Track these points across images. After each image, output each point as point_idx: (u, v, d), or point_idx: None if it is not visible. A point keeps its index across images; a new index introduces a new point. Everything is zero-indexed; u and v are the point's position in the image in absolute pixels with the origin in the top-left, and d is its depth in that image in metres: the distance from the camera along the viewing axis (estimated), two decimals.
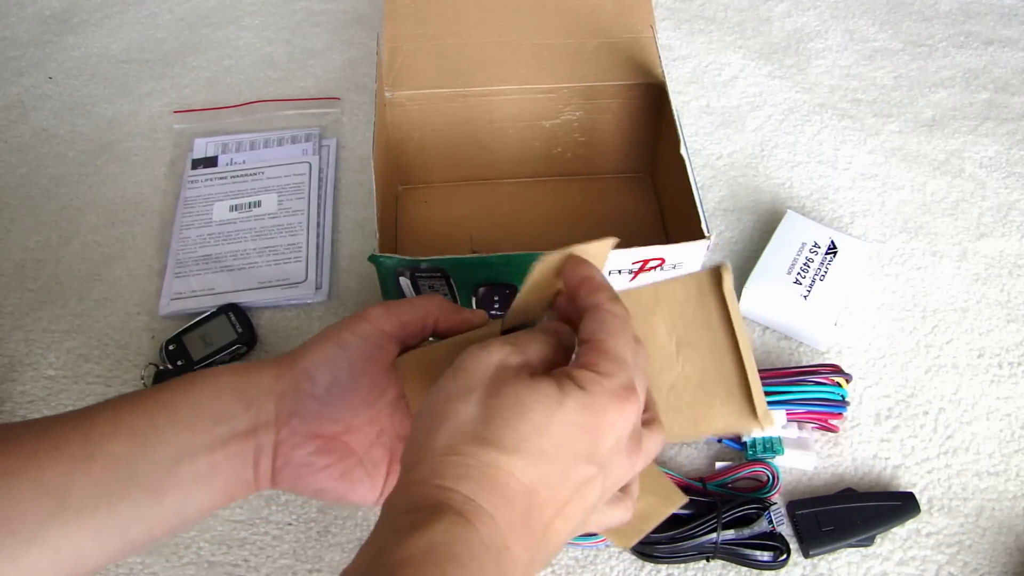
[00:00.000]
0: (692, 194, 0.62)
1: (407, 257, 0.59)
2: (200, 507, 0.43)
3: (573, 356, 0.39)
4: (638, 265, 0.62)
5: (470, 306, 0.65)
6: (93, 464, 0.40)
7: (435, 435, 0.36)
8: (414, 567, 0.32)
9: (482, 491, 0.34)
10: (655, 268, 0.62)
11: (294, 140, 0.84)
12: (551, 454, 0.35)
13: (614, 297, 0.40)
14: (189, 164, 0.82)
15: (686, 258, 0.62)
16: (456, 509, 0.33)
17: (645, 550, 0.58)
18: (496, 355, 0.38)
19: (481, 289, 0.62)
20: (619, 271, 0.62)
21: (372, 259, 0.59)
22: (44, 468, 0.39)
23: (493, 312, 0.66)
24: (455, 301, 0.65)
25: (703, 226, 0.60)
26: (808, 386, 0.63)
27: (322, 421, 0.44)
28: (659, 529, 0.57)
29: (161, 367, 0.69)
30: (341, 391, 0.44)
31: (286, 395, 0.44)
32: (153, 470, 0.41)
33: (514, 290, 0.61)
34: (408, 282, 0.62)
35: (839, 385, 0.63)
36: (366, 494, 0.46)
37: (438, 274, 0.61)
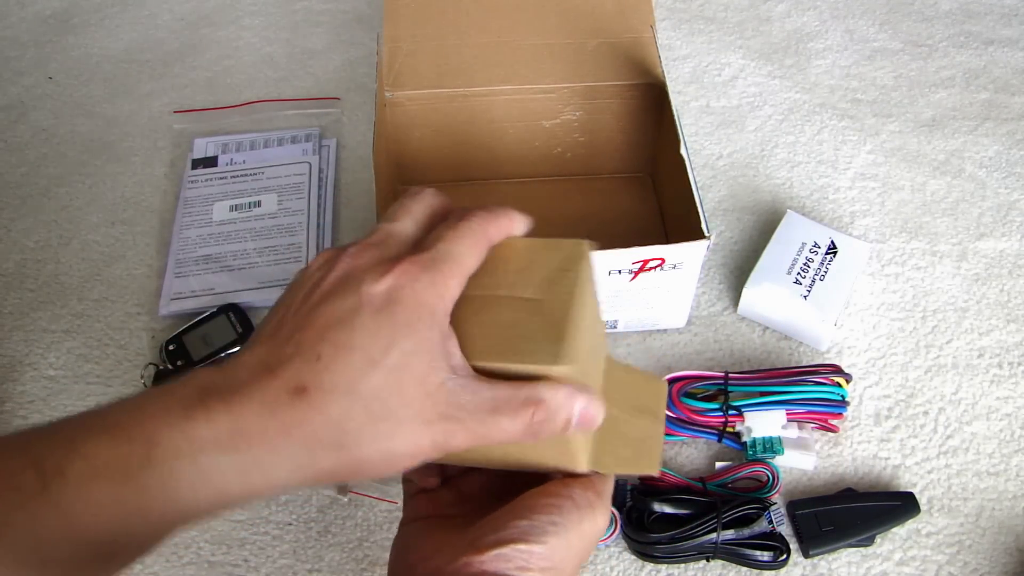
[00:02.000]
0: (692, 194, 0.62)
1: None
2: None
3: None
4: (638, 265, 0.62)
5: None
6: (48, 567, 0.33)
7: None
8: None
9: None
10: (655, 268, 0.62)
11: (294, 140, 0.84)
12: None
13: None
14: (189, 164, 0.82)
15: (686, 258, 0.62)
16: None
17: (645, 550, 0.58)
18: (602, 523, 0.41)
19: None
20: (619, 271, 0.62)
21: None
22: None
23: None
24: None
25: (703, 226, 0.60)
26: (808, 386, 0.63)
27: None
28: (659, 529, 0.58)
29: (161, 367, 0.69)
30: None
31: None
32: (131, 554, 0.35)
33: None
34: None
35: (839, 385, 0.63)
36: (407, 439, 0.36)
37: None
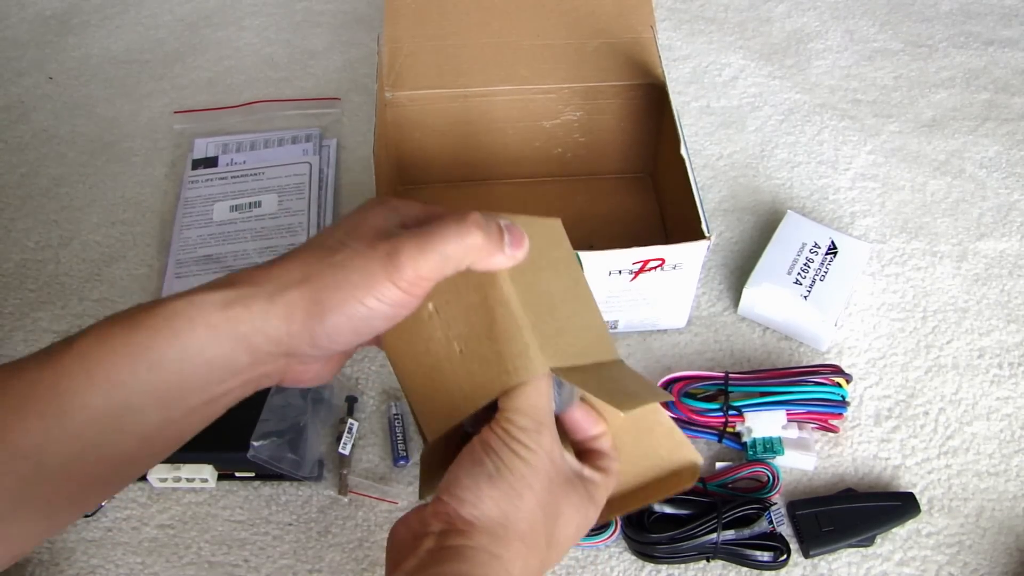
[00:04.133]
0: (692, 194, 0.62)
1: None
2: (203, 425, 0.41)
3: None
4: (638, 265, 0.62)
5: None
6: (68, 420, 0.37)
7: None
8: None
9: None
10: (656, 268, 0.62)
11: (294, 140, 0.84)
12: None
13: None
14: (189, 164, 0.82)
15: (686, 258, 0.62)
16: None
17: (645, 550, 0.58)
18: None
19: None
20: (619, 271, 0.62)
21: None
22: (11, 428, 0.36)
23: None
24: None
25: (703, 226, 0.60)
26: (808, 386, 0.63)
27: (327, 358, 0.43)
28: (659, 529, 0.58)
29: None
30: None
31: (296, 350, 0.40)
32: (142, 422, 0.38)
33: None
34: None
35: (839, 385, 0.63)
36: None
37: None
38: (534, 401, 0.41)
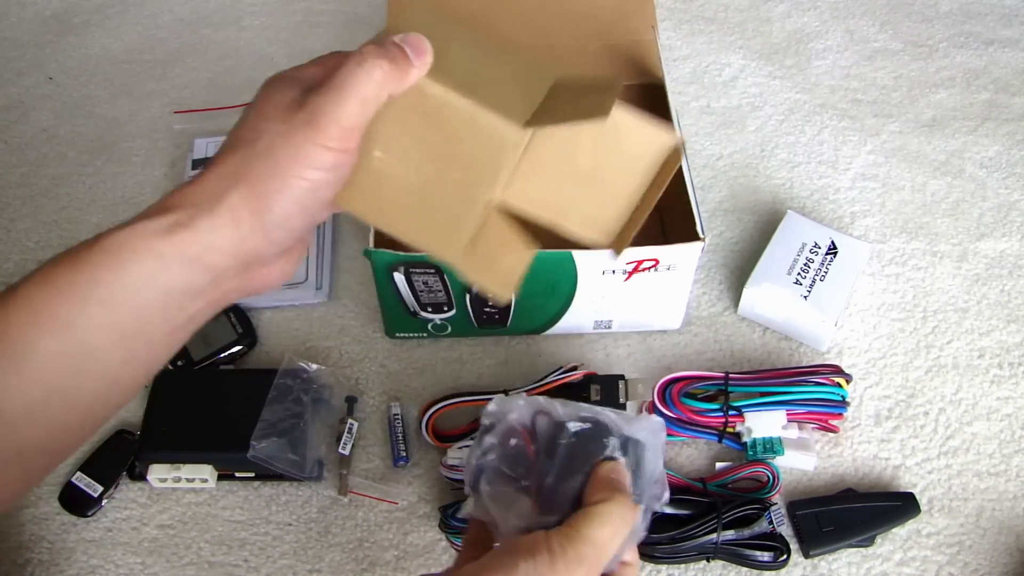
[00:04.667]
0: (689, 195, 0.62)
1: (401, 252, 0.59)
2: (170, 355, 0.40)
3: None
4: (632, 266, 0.62)
5: (463, 304, 0.65)
6: (23, 366, 0.36)
7: None
8: None
9: None
10: (649, 269, 0.62)
11: None
12: None
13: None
14: (189, 164, 0.82)
15: (681, 259, 0.62)
16: None
17: (645, 550, 0.58)
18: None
19: (475, 287, 0.62)
20: (613, 271, 0.62)
21: (366, 253, 0.60)
22: None
23: (487, 310, 0.66)
24: (449, 298, 0.64)
25: (698, 228, 0.60)
26: (808, 386, 0.63)
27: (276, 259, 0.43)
28: (659, 529, 0.58)
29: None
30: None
31: (254, 253, 0.39)
32: (103, 361, 0.37)
33: None
34: (402, 277, 0.62)
35: (839, 385, 0.63)
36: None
37: (432, 270, 0.61)
38: (606, 539, 0.40)
